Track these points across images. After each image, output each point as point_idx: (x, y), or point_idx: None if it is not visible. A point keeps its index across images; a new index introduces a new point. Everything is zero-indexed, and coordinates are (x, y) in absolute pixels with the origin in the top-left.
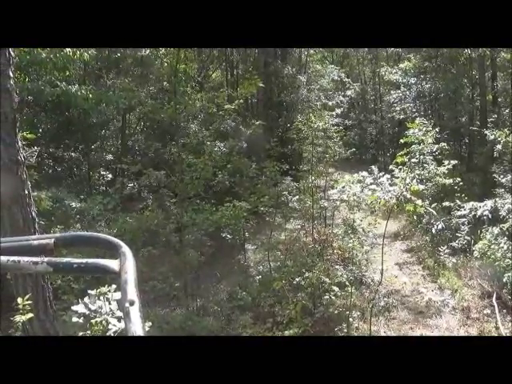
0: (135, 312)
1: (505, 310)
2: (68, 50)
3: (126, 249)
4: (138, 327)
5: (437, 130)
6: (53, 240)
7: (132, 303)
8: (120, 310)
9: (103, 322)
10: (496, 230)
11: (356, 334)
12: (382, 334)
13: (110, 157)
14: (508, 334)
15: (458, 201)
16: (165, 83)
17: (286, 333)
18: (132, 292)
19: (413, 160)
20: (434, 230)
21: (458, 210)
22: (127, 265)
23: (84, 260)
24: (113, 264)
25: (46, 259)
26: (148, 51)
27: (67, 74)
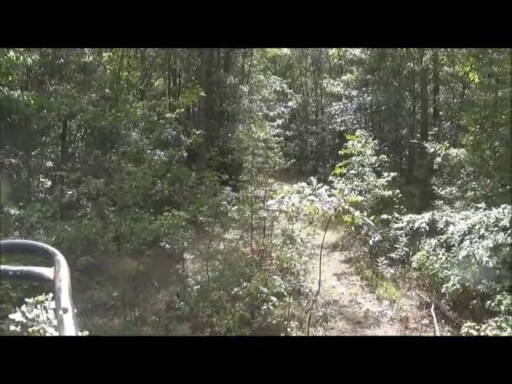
0: (69, 319)
1: (443, 320)
2: (12, 54)
3: (60, 257)
4: (71, 334)
5: (376, 142)
6: None
7: (66, 311)
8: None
9: (40, 330)
10: (434, 242)
11: None
12: None
13: (49, 164)
14: None
15: (396, 213)
16: (107, 90)
17: None
18: (66, 300)
19: (351, 171)
20: (371, 242)
21: (396, 223)
22: (61, 273)
23: (20, 267)
24: (47, 272)
25: None
26: (91, 57)
27: (9, 78)
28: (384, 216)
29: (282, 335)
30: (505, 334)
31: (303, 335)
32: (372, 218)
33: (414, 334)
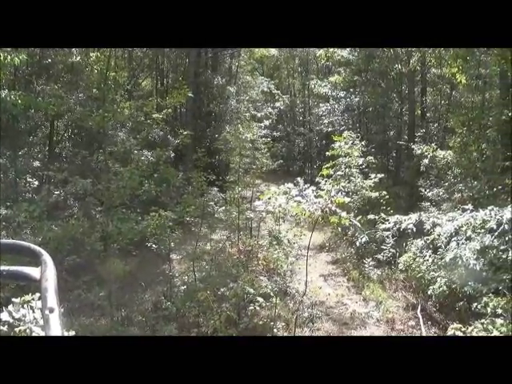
0: (55, 319)
1: (429, 322)
2: None
3: (47, 257)
4: (57, 333)
5: (363, 143)
6: None
7: (52, 310)
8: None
9: (27, 330)
10: (420, 243)
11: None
12: None
13: (37, 163)
14: None
15: (383, 214)
16: (94, 90)
17: None
18: (52, 299)
19: (338, 173)
20: (358, 243)
21: (383, 223)
22: (48, 273)
23: (6, 267)
24: (34, 272)
25: None
26: (79, 57)
27: None
28: (371, 216)
29: (269, 335)
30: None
31: (290, 335)
32: (359, 218)
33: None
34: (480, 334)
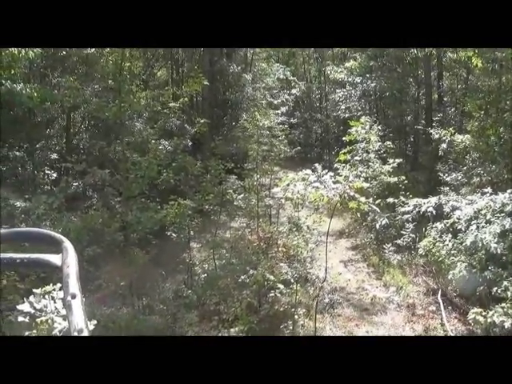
0: (77, 305)
1: (450, 307)
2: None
3: (67, 244)
4: (79, 319)
5: (379, 127)
6: None
7: (74, 296)
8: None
9: (49, 320)
10: (440, 226)
11: (301, 331)
12: (328, 331)
13: (54, 156)
14: (453, 330)
15: (402, 197)
16: (110, 81)
17: (232, 330)
18: (74, 285)
19: (356, 158)
20: (377, 226)
21: (402, 207)
22: (69, 259)
23: (27, 255)
24: (55, 259)
25: None
26: (93, 49)
27: (12, 72)
28: (390, 200)
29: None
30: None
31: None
32: (377, 202)
33: (420, 321)
34: (500, 319)
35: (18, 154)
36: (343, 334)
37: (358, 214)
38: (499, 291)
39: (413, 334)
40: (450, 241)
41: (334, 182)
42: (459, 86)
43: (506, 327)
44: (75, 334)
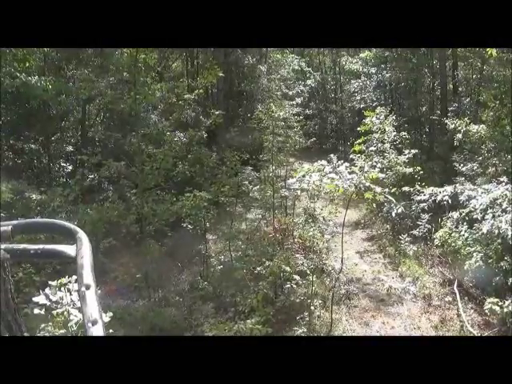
0: (91, 295)
1: (466, 298)
2: None
3: (82, 234)
4: (93, 310)
5: (394, 117)
6: (10, 227)
7: (88, 287)
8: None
9: (64, 312)
10: (456, 216)
11: (317, 322)
12: (344, 322)
13: (70, 148)
14: (469, 321)
15: (417, 186)
16: (125, 74)
17: (248, 322)
18: (88, 276)
19: (371, 148)
20: (393, 214)
21: (418, 195)
22: (83, 250)
23: (41, 246)
24: (69, 249)
25: (2, 246)
26: None
27: (27, 65)
28: (405, 188)
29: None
30: None
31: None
32: (393, 191)
33: (437, 312)
34: None
35: (33, 146)
36: (359, 325)
37: (374, 205)
38: None
39: (429, 325)
40: (465, 231)
41: (350, 173)
42: (474, 76)
43: None
44: (89, 324)
